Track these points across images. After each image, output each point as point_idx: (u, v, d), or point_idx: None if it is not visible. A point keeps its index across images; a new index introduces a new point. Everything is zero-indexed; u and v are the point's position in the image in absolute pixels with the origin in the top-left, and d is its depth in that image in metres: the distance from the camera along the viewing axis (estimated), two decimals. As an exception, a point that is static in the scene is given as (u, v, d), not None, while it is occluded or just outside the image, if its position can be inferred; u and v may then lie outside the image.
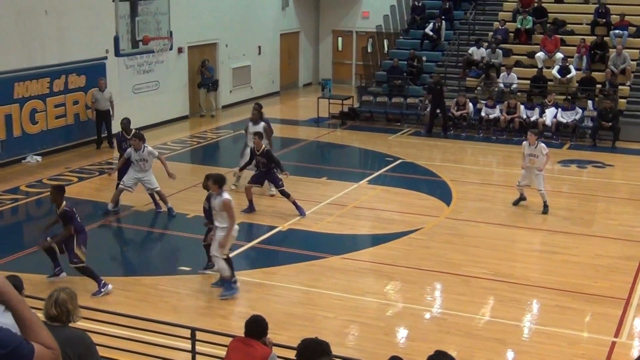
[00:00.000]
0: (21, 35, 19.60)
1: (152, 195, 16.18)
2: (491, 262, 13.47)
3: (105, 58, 21.79)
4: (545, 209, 16.20)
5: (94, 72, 21.57)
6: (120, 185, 15.96)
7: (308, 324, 10.93)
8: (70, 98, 21.19)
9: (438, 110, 23.85)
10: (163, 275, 12.98)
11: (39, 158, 20.03)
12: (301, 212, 15.70)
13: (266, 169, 15.90)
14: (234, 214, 11.73)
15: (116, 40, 17.51)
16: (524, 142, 16.58)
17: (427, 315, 11.52)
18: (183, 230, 15.51)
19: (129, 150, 15.79)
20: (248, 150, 16.74)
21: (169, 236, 15.29)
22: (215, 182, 11.70)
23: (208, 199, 12.21)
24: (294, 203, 15.76)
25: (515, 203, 16.58)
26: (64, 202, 12.04)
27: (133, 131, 16.50)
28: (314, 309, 11.56)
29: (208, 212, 12.28)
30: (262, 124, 17.36)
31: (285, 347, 8.11)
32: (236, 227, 11.89)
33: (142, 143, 15.70)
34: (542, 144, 16.41)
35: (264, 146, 15.94)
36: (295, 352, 6.24)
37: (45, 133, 20.44)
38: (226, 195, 11.62)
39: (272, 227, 14.92)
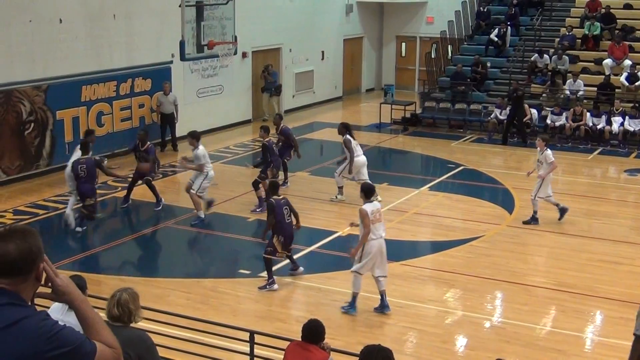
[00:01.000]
0: (90, 40, 20.00)
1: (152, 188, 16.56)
2: (554, 272, 13.27)
3: (171, 62, 22.11)
4: (531, 219, 15.66)
5: (160, 76, 21.90)
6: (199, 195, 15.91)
7: (367, 330, 10.91)
8: (136, 101, 21.55)
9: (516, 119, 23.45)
10: (223, 277, 13.10)
11: (104, 160, 20.36)
12: (261, 206, 15.93)
13: (262, 161, 16.48)
14: (367, 224, 11.25)
15: (182, 44, 17.75)
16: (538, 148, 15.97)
17: (487, 324, 11.40)
18: (243, 234, 15.63)
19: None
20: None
21: (229, 239, 15.41)
22: (362, 191, 11.55)
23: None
24: (259, 198, 16.25)
25: (527, 221, 15.76)
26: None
27: (148, 144, 16.75)
28: (373, 315, 11.53)
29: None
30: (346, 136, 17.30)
31: (343, 352, 8.12)
32: (373, 242, 11.36)
33: (197, 142, 15.76)
34: (548, 152, 15.48)
35: (265, 140, 16.43)
36: (354, 357, 6.23)
37: (111, 135, 20.81)
38: (364, 206, 11.34)
39: (332, 232, 14.94)
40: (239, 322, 10.59)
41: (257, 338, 8.78)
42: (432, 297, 12.20)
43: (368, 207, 11.27)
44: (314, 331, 7.17)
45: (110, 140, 20.73)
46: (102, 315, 5.41)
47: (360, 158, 17.15)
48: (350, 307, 11.49)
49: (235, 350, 9.25)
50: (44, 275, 3.28)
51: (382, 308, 11.52)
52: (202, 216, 15.82)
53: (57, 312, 6.18)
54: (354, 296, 11.50)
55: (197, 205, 15.80)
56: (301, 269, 13.03)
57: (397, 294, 12.22)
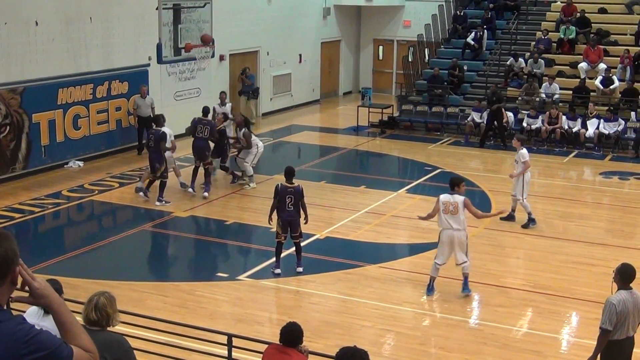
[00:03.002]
0: (67, 43, 19.88)
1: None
2: (530, 274, 13.36)
3: (148, 65, 22.02)
4: (529, 222, 15.73)
5: (137, 79, 21.81)
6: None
7: (344, 333, 10.93)
8: (113, 104, 21.44)
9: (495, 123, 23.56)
10: (201, 281, 13.08)
11: (80, 163, 20.29)
12: (234, 180, 18.56)
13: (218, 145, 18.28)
14: (434, 209, 12.22)
15: (159, 47, 17.70)
16: None
17: (464, 326, 11.46)
18: (221, 237, 15.63)
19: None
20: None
21: (206, 242, 15.39)
22: (449, 183, 12.37)
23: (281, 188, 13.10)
24: (232, 173, 18.64)
25: (504, 219, 15.86)
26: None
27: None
28: (351, 317, 11.57)
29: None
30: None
31: (321, 355, 8.14)
32: (443, 232, 12.22)
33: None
34: (522, 151, 15.51)
35: (222, 125, 18.39)
36: (331, 359, 6.24)
37: (88, 139, 20.69)
38: (442, 194, 12.24)
39: (310, 235, 14.95)
40: (216, 325, 10.58)
41: (235, 341, 8.78)
42: (409, 299, 12.25)
43: (442, 196, 12.18)
44: (291, 334, 7.17)
45: (87, 143, 20.62)
46: (79, 319, 5.39)
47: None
48: (428, 290, 12.31)
49: (213, 353, 9.23)
50: (20, 279, 3.27)
51: (462, 288, 12.34)
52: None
53: (33, 316, 6.15)
54: (431, 279, 12.33)
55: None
56: (299, 269, 13.24)
57: (374, 296, 12.26)
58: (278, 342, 7.22)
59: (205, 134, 17.49)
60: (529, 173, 15.74)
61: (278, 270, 13.08)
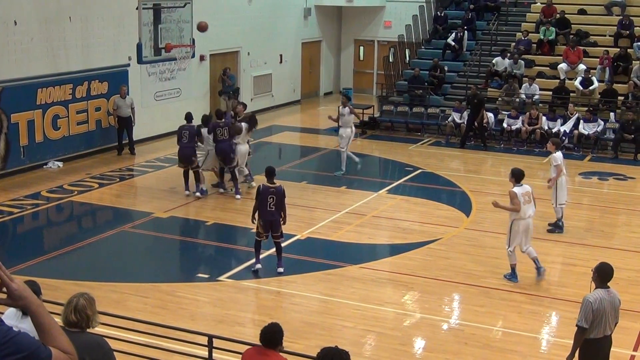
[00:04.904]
0: (46, 42, 19.74)
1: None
2: (510, 274, 13.40)
3: (128, 65, 21.92)
4: (555, 227, 15.69)
5: (117, 79, 21.70)
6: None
7: (326, 333, 10.92)
8: (93, 104, 21.32)
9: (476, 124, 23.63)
10: (181, 282, 13.03)
11: (60, 164, 20.15)
12: (237, 192, 17.59)
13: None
14: (517, 203, 12.58)
15: (139, 47, 17.64)
16: None
17: (445, 326, 11.48)
18: (201, 238, 15.58)
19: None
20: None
21: (187, 243, 15.34)
22: (513, 175, 12.96)
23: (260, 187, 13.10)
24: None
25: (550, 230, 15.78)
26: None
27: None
28: (332, 318, 11.56)
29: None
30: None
31: (303, 356, 8.13)
32: (521, 222, 12.72)
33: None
34: (554, 155, 15.34)
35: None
36: (313, 360, 6.22)
37: (67, 139, 20.56)
38: (514, 188, 12.76)
39: (291, 236, 14.93)
40: (197, 326, 10.55)
41: (216, 342, 8.75)
42: (390, 299, 12.26)
43: (517, 189, 12.71)
44: (270, 335, 7.10)
45: (66, 143, 20.49)
46: (58, 321, 5.35)
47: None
48: (512, 276, 12.95)
49: (194, 354, 9.20)
50: (-1, 280, 3.24)
51: (538, 270, 13.05)
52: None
53: (12, 318, 6.10)
54: (512, 267, 12.95)
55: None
56: (280, 269, 13.19)
57: (355, 297, 12.26)
58: (259, 344, 7.18)
59: (226, 135, 17.48)
60: (563, 177, 15.43)
61: (258, 266, 13.09)
